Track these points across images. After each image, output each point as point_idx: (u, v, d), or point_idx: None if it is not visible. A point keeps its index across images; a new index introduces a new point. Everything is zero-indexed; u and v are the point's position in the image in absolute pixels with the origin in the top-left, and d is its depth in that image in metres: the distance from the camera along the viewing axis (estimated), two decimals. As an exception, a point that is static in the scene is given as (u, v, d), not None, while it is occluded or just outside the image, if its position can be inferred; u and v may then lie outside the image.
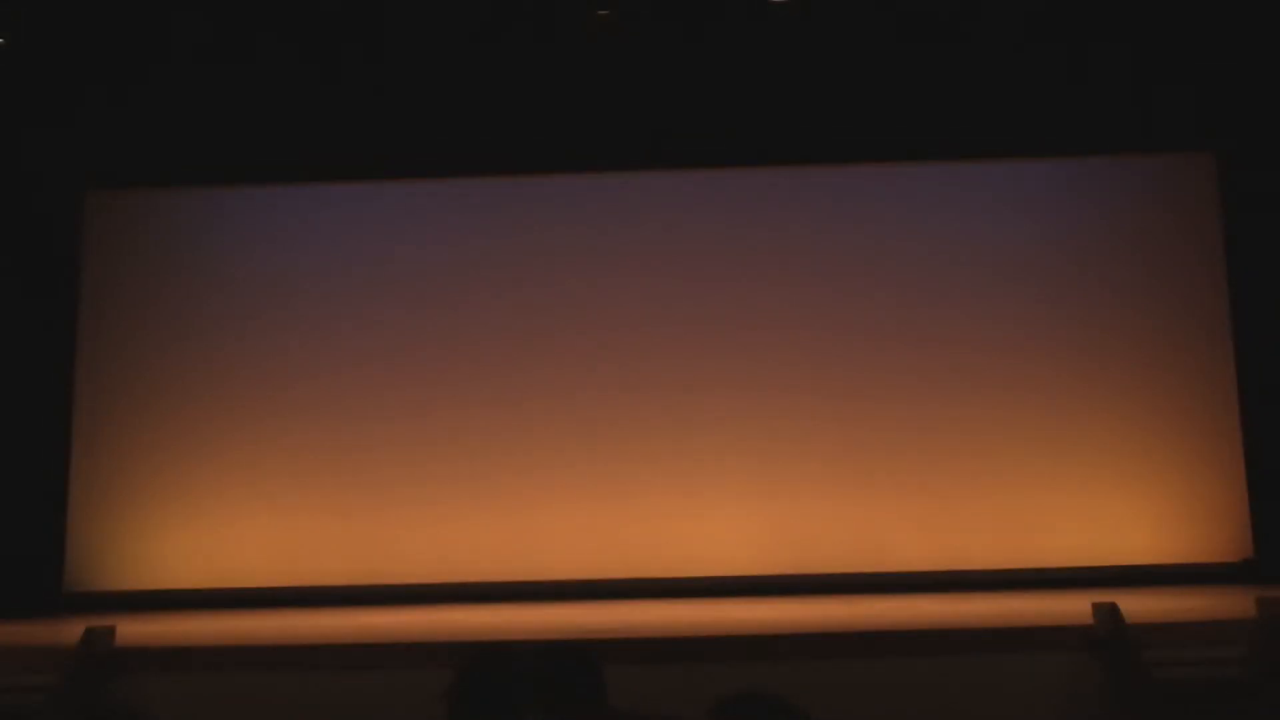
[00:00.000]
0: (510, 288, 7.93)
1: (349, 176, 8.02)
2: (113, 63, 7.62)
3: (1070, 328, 7.75)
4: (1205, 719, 4.69)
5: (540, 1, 7.46)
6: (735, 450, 7.68)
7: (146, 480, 7.81)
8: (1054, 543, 7.46)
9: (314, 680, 4.95)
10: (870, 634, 5.17)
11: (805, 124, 7.73)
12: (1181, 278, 7.79)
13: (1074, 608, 5.35)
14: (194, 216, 8.12)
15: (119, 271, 8.03)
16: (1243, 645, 4.89)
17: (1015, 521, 7.54)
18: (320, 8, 7.44)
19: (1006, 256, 7.85)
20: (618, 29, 7.51)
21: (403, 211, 8.12)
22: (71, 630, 5.21)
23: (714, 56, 7.62)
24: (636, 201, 8.02)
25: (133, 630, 5.48)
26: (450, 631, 5.74)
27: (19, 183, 7.85)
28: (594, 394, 7.78)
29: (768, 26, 7.51)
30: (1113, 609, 4.94)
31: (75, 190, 8.03)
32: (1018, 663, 4.86)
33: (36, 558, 7.51)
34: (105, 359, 7.93)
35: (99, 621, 5.39)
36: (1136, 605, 5.23)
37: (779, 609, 6.37)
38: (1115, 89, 7.61)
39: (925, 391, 7.69)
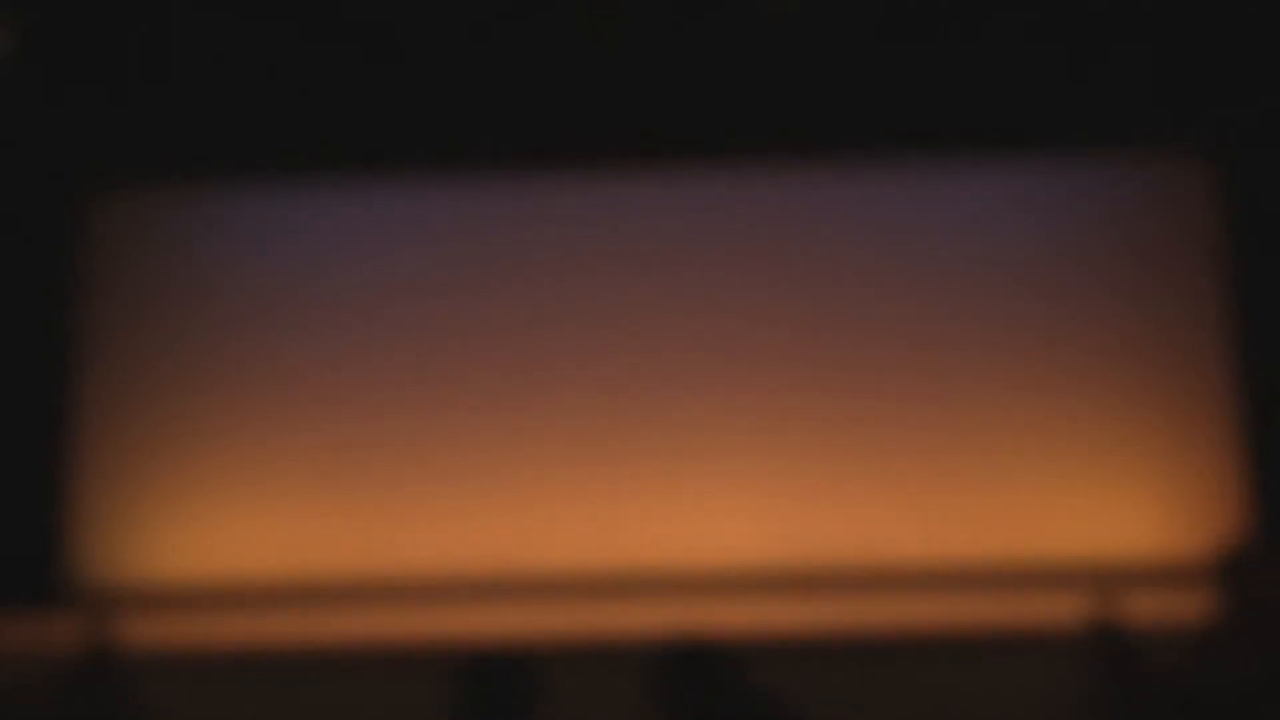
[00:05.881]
0: (512, 284, 7.95)
1: (350, 176, 8.03)
2: (113, 62, 7.62)
3: (1069, 327, 7.76)
4: (1205, 719, 4.68)
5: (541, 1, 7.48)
6: (731, 449, 7.69)
7: (147, 479, 7.82)
8: (1053, 542, 7.47)
9: (317, 680, 4.95)
10: (867, 634, 5.17)
11: (801, 124, 7.73)
12: (1180, 279, 7.79)
13: (1073, 607, 5.34)
14: (194, 216, 8.13)
15: (119, 271, 8.03)
16: (1242, 645, 4.88)
17: (1015, 521, 7.55)
18: (323, 7, 7.44)
19: (1005, 256, 7.86)
20: (616, 26, 7.51)
21: (404, 210, 8.13)
22: (71, 630, 5.20)
23: (714, 55, 7.62)
24: (639, 197, 8.03)
25: (133, 630, 5.48)
26: (456, 632, 5.73)
27: (19, 183, 7.86)
28: (594, 391, 7.79)
29: (765, 25, 7.50)
30: (1112, 609, 4.93)
31: (75, 190, 8.03)
32: (1017, 663, 4.86)
33: (37, 556, 7.52)
34: (106, 358, 7.93)
35: (99, 620, 5.38)
36: (1136, 604, 5.22)
37: (775, 608, 6.36)
38: (1115, 89, 7.60)
39: (926, 391, 7.70)
